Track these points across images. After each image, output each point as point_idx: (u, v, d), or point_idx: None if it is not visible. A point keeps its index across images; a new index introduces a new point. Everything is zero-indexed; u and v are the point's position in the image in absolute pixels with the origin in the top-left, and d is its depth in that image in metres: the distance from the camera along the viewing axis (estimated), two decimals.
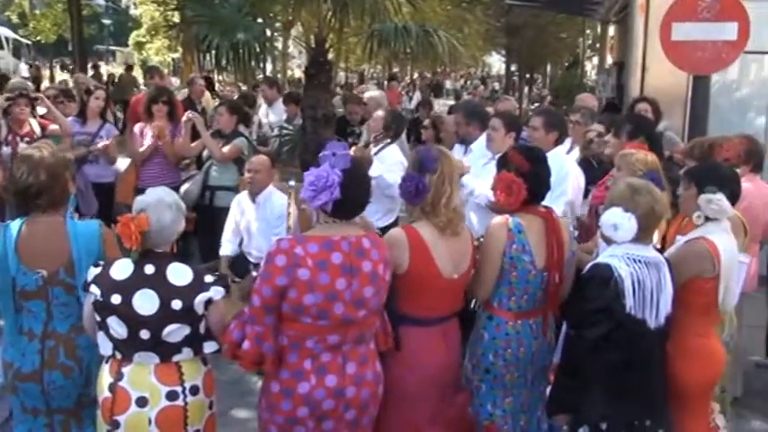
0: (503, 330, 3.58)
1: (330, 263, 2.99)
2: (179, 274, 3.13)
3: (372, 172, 5.87)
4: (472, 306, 3.81)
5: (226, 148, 6.84)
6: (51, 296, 3.34)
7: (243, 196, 6.04)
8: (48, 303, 3.35)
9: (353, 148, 6.66)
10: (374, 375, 3.21)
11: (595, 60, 24.02)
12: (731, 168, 3.81)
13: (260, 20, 8.79)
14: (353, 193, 3.05)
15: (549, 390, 3.65)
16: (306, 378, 3.03)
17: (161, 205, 3.13)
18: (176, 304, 3.07)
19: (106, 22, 46.90)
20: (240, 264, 5.95)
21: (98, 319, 3.15)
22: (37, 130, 6.93)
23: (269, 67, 24.93)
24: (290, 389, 3.04)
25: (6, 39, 35.15)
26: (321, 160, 3.06)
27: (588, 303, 3.19)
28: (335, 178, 3.00)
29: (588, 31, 26.70)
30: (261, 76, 14.58)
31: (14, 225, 3.37)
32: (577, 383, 3.22)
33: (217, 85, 15.90)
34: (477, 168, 5.30)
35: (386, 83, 21.15)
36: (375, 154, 6.13)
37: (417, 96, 19.89)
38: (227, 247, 6.04)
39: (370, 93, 8.72)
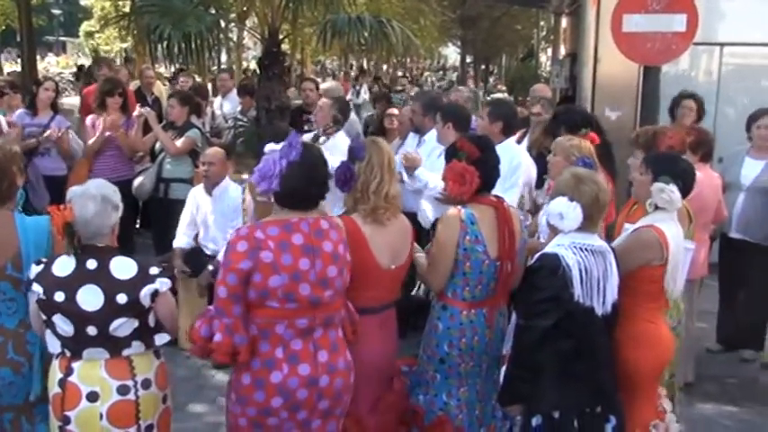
0: (457, 320, 3.61)
1: (291, 244, 2.99)
2: (123, 267, 3.09)
3: None
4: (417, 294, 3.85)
5: (179, 142, 6.78)
6: None
7: (198, 189, 6.00)
8: None
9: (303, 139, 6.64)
10: (345, 364, 3.22)
11: (550, 51, 24.22)
12: (689, 163, 3.88)
13: (213, 10, 8.70)
14: (297, 184, 3.04)
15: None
16: (278, 367, 3.02)
17: (85, 197, 3.08)
18: (121, 298, 3.03)
19: (56, 12, 45.96)
20: (195, 256, 5.91)
21: (44, 317, 3.10)
22: (4, 127, 6.78)
23: (223, 58, 24.74)
24: (262, 378, 3.02)
25: None
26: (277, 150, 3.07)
27: (537, 293, 3.21)
28: (278, 168, 3.01)
29: (542, 23, 26.96)
30: (215, 67, 14.44)
31: None
32: (528, 373, 3.26)
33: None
34: (432, 160, 5.33)
35: (341, 74, 20.99)
36: (323, 144, 6.11)
37: (365, 90, 19.65)
38: (181, 240, 5.99)
39: (326, 84, 8.70)
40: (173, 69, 15.36)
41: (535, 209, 5.08)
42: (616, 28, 6.62)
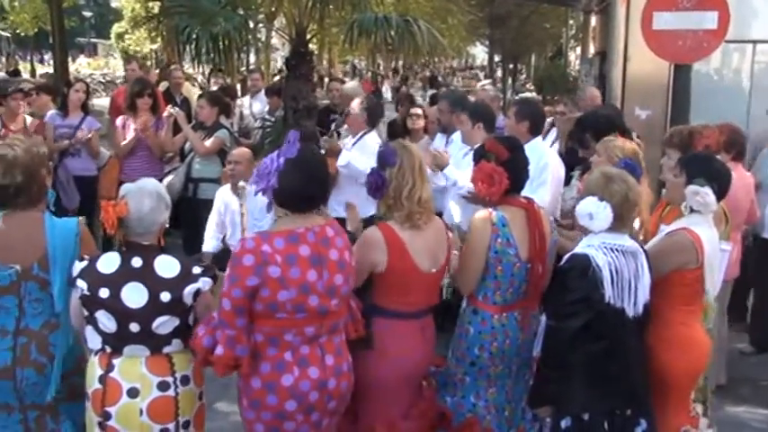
0: (488, 324, 3.58)
1: (299, 256, 2.96)
2: (167, 266, 3.11)
3: (340, 161, 5.85)
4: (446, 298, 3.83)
5: (208, 142, 6.81)
6: (24, 292, 3.29)
7: (225, 189, 6.01)
8: (20, 299, 3.30)
9: (323, 138, 6.63)
10: (348, 366, 3.23)
11: (579, 50, 24.03)
12: (724, 164, 3.79)
13: (241, 11, 8.72)
14: (295, 182, 2.99)
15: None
16: (289, 370, 3.01)
17: (141, 193, 3.12)
18: (165, 296, 3.06)
19: (87, 14, 46.51)
20: (225, 258, 5.89)
21: (86, 313, 3.12)
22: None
23: (252, 58, 24.84)
24: (273, 382, 3.01)
25: None
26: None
27: (567, 294, 3.18)
28: (275, 165, 2.99)
29: (571, 22, 26.74)
30: (243, 68, 14.50)
31: None
32: (558, 375, 3.23)
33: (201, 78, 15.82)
34: (458, 159, 5.30)
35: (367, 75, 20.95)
36: (354, 143, 6.10)
37: (386, 89, 19.51)
38: (209, 244, 6.00)
39: (346, 85, 8.68)
40: (201, 70, 15.48)
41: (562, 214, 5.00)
42: (646, 26, 6.54)
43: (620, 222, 3.24)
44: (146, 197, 3.11)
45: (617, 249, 3.21)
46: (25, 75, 22.44)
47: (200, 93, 8.72)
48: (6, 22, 37.23)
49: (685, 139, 4.50)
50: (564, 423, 3.27)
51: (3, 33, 37.65)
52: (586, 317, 3.14)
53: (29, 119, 7.02)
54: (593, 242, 3.24)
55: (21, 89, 7.10)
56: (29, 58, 35.82)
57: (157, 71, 12.08)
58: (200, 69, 15.24)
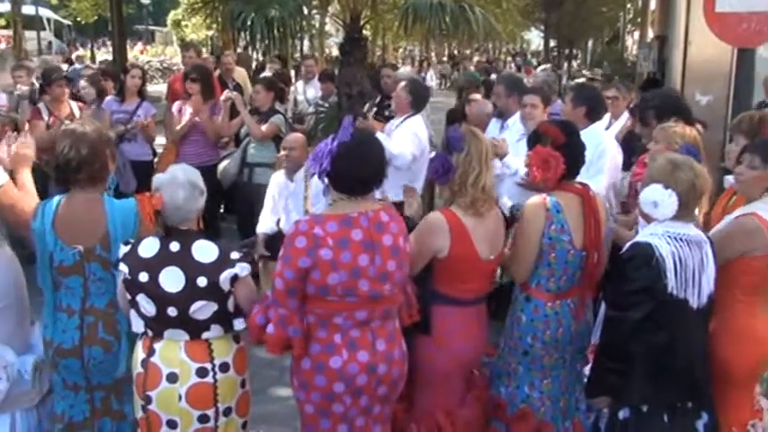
0: (541, 312, 3.53)
1: (351, 240, 2.96)
2: (204, 251, 3.13)
3: None
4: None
5: (264, 126, 6.86)
6: (88, 272, 3.36)
7: (280, 175, 6.04)
8: (85, 279, 3.38)
9: (357, 120, 6.62)
10: (401, 354, 3.21)
11: (637, 35, 23.58)
12: None
13: None
14: (348, 165, 2.99)
15: (587, 369, 3.61)
16: (337, 352, 3.02)
17: (174, 184, 3.13)
18: (201, 281, 3.08)
19: (145, 1, 47.16)
20: (277, 242, 5.94)
21: (128, 296, 3.18)
22: (76, 112, 7.02)
23: (305, 44, 24.96)
24: (322, 363, 3.03)
25: (48, 20, 35.64)
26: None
27: (629, 284, 3.11)
28: (329, 148, 2.99)
29: (629, 5, 26.26)
30: (297, 54, 14.56)
31: (53, 201, 3.40)
32: (618, 365, 3.16)
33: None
34: (513, 145, 5.24)
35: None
36: (397, 126, 6.07)
37: (431, 77, 19.40)
38: (264, 225, 6.04)
39: (399, 71, 8.67)
40: (255, 56, 15.57)
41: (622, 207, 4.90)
42: (708, 8, 6.35)
43: (685, 211, 3.15)
44: (179, 188, 3.12)
45: (682, 239, 3.13)
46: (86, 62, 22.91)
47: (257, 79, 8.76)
48: (68, 9, 38.07)
49: (755, 126, 4.34)
50: (622, 414, 3.23)
51: (64, 21, 38.45)
52: (648, 307, 3.07)
53: (75, 105, 7.14)
54: (657, 231, 3.15)
55: (63, 76, 7.21)
56: (89, 45, 36.53)
57: (212, 57, 12.19)
58: (255, 56, 15.37)
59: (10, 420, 3.58)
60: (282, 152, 5.90)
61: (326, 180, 3.05)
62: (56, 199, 3.42)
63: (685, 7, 7.74)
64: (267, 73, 10.44)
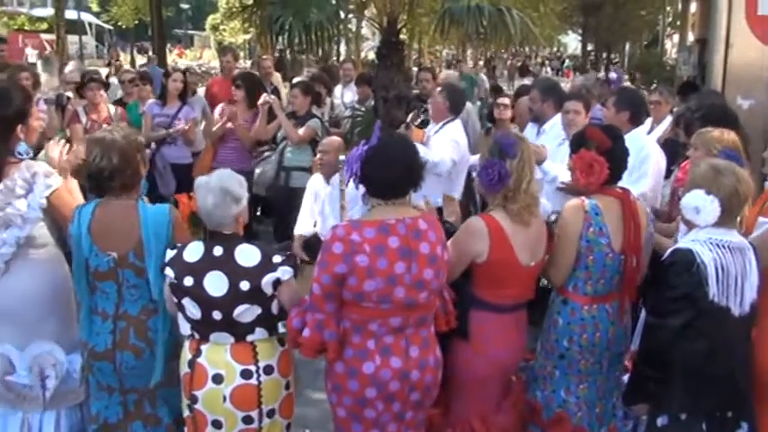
0: (578, 315, 3.51)
1: (387, 247, 2.96)
2: (247, 255, 3.15)
3: None
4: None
5: (301, 130, 6.89)
6: (122, 278, 3.40)
7: (316, 178, 6.05)
8: (119, 285, 3.41)
9: (401, 128, 6.60)
10: (435, 361, 3.20)
11: (676, 38, 23.29)
12: None
13: (333, 1, 8.79)
14: (377, 169, 3.02)
15: (625, 377, 3.57)
16: (370, 358, 3.03)
17: (206, 188, 3.16)
18: (244, 285, 3.10)
19: (184, 6, 47.72)
20: (314, 245, 5.96)
21: (175, 300, 3.22)
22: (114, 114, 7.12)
23: (342, 48, 25.03)
24: (355, 368, 3.04)
25: (89, 24, 36.26)
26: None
27: (669, 290, 3.08)
28: (359, 152, 3.03)
29: (669, 8, 25.95)
30: (334, 58, 14.62)
31: (89, 206, 3.44)
32: (658, 372, 3.13)
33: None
34: (552, 150, 5.19)
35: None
36: (437, 131, 6.05)
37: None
38: (302, 226, 6.06)
39: (442, 74, 8.66)
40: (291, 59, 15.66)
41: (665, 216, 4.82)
42: (751, 11, 6.28)
43: (727, 217, 3.10)
44: (209, 193, 3.14)
45: (724, 245, 3.09)
46: (126, 66, 23.24)
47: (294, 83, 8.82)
48: (109, 14, 38.68)
49: None
50: (660, 421, 3.19)
51: (105, 26, 39.06)
52: (688, 315, 3.04)
53: (112, 108, 7.24)
54: (699, 237, 3.12)
55: (95, 78, 7.30)
56: (129, 49, 37.08)
57: (249, 62, 12.28)
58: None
59: (56, 417, 3.65)
60: (318, 156, 5.92)
61: (357, 184, 3.08)
62: (92, 203, 3.45)
63: (726, 10, 7.60)
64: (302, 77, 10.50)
